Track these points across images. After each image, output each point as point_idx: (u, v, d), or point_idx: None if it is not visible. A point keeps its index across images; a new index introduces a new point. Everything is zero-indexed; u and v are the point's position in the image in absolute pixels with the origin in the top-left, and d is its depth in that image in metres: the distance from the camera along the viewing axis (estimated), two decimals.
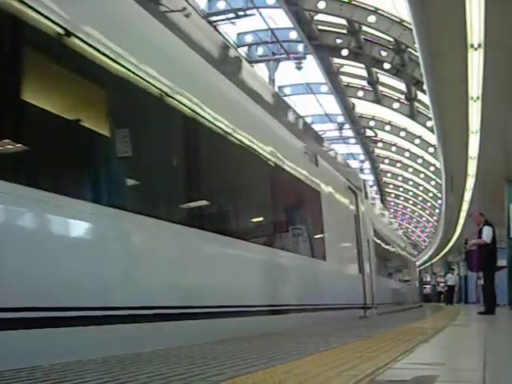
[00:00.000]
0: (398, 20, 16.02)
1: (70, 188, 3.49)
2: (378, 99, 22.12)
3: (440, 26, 7.95)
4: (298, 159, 7.67)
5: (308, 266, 7.82)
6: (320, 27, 17.79)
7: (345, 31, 17.75)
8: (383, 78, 20.66)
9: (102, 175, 3.93)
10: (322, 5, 16.08)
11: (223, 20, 14.83)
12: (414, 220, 47.30)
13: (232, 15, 13.94)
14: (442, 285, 40.60)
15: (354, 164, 30.94)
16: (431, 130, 17.93)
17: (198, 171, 5.14)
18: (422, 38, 8.57)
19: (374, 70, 19.94)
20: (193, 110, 4.79)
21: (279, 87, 21.36)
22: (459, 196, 17.75)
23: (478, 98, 9.73)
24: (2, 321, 2.79)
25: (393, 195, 40.91)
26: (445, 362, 3.06)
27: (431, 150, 24.69)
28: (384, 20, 16.24)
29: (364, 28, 17.32)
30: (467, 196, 17.46)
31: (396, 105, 22.30)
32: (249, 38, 19.10)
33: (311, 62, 19.39)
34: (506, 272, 15.46)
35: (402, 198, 40.82)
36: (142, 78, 4.09)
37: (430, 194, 33.65)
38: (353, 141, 28.24)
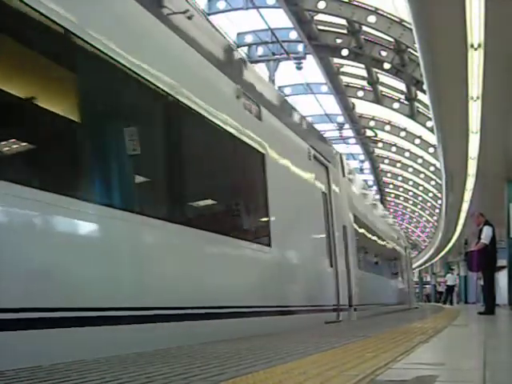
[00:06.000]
0: (397, 20, 16.02)
1: None
2: (378, 99, 22.12)
3: (440, 26, 7.95)
4: None
5: None
6: (320, 27, 17.79)
7: (345, 31, 17.75)
8: (383, 77, 20.66)
9: None
10: (322, 5, 16.08)
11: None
12: (414, 220, 47.30)
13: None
14: (442, 285, 40.61)
15: (353, 164, 30.99)
16: (431, 130, 17.92)
17: None
18: (422, 38, 8.57)
19: (374, 70, 19.94)
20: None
21: (279, 87, 21.37)
22: (459, 196, 17.74)
23: (477, 97, 9.73)
24: None
25: (393, 195, 40.92)
26: (445, 361, 3.07)
27: (431, 150, 24.69)
28: (384, 20, 16.25)
29: (364, 28, 17.32)
30: (467, 196, 17.45)
31: (396, 105, 22.30)
32: (249, 38, 19.12)
33: (311, 62, 19.42)
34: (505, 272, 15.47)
35: (401, 198, 40.83)
36: None
37: (430, 194, 33.65)
38: (353, 141, 28.24)
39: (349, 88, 22.24)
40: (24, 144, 3.62)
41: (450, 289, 28.96)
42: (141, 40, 4.45)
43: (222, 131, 5.49)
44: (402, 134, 25.94)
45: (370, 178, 36.33)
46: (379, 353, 3.19)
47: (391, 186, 38.31)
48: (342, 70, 21.08)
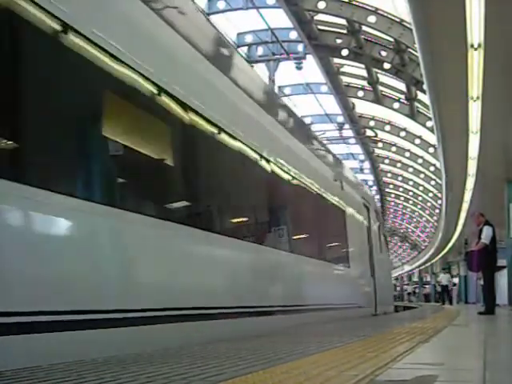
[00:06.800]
0: (398, 20, 16.03)
1: None
2: (378, 99, 22.12)
3: (440, 26, 7.96)
4: None
5: None
6: (320, 27, 17.79)
7: (345, 31, 17.75)
8: (383, 77, 20.66)
9: None
10: (322, 5, 16.08)
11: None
12: (414, 220, 47.31)
13: None
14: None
15: (353, 164, 31.02)
16: (431, 129, 17.93)
17: None
18: (422, 37, 8.57)
19: (374, 70, 19.94)
20: None
21: (279, 87, 21.37)
22: (459, 196, 17.75)
23: (477, 97, 9.74)
24: None
25: (393, 195, 40.92)
26: (445, 361, 3.06)
27: (431, 150, 24.69)
28: (384, 20, 16.25)
29: (364, 28, 17.32)
30: (467, 196, 17.47)
31: (396, 105, 22.29)
32: (249, 38, 19.13)
33: (311, 62, 19.42)
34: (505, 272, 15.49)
35: (402, 198, 40.84)
36: None
37: (430, 194, 33.66)
38: (353, 141, 28.25)
39: (349, 88, 22.24)
40: None
41: (445, 288, 28.95)
42: None
43: None
44: (402, 133, 25.94)
45: (370, 177, 36.34)
46: (379, 353, 3.19)
47: (391, 186, 38.32)
48: (341, 69, 21.08)
